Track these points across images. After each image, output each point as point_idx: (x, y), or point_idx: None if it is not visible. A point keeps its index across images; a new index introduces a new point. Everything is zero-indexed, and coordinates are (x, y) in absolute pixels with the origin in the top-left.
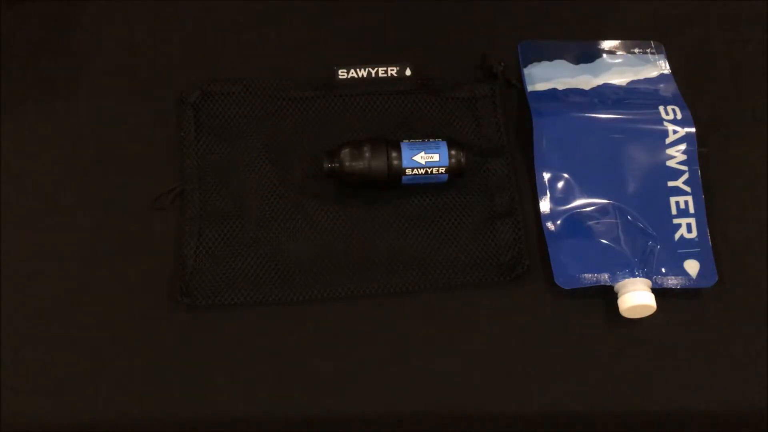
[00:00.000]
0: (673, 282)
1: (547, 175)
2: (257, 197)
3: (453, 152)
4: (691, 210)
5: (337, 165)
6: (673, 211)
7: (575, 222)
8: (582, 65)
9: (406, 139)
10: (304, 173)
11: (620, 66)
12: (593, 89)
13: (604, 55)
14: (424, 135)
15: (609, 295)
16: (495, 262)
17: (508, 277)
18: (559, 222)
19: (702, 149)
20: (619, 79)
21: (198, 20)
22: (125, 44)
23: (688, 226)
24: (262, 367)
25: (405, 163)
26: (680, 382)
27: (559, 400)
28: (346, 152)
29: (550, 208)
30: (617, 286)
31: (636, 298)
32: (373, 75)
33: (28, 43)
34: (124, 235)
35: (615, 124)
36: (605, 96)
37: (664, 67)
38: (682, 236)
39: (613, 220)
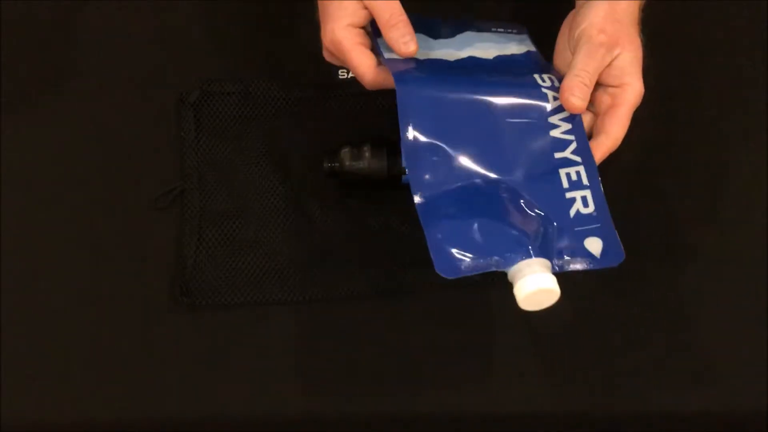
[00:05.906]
0: (575, 264)
1: (416, 144)
2: (257, 197)
3: None
4: (585, 181)
5: (337, 165)
6: (565, 185)
7: (454, 198)
8: (441, 40)
9: None
10: (304, 173)
11: (484, 42)
12: (458, 61)
13: (467, 32)
14: None
15: (609, 295)
16: None
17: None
18: (435, 198)
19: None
20: (485, 53)
21: (198, 20)
22: (125, 44)
23: (584, 199)
24: (262, 367)
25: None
26: (680, 382)
27: (558, 400)
28: (346, 152)
29: (424, 181)
30: (511, 272)
31: (533, 282)
32: None
33: (28, 43)
34: (124, 235)
35: (489, 89)
36: (473, 66)
37: (530, 45)
38: (578, 212)
39: (499, 196)
